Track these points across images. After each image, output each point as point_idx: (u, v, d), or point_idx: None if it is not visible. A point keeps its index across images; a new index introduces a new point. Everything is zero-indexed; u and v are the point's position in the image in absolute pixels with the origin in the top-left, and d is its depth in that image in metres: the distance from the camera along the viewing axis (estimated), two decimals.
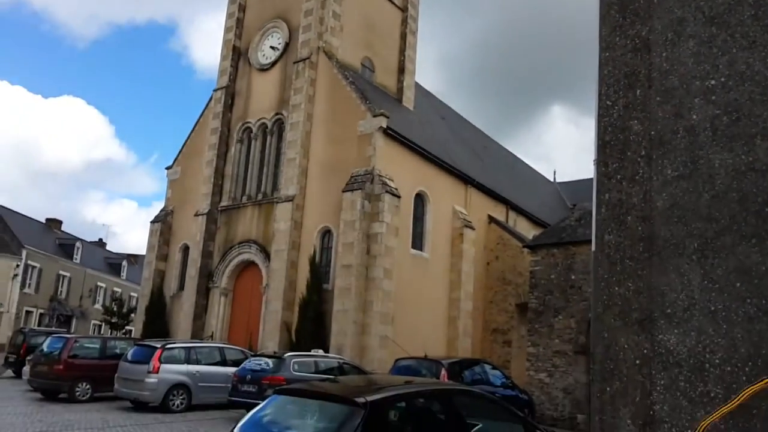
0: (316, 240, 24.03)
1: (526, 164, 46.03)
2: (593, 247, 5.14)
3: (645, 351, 4.56)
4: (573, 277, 17.09)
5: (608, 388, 4.68)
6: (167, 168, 31.82)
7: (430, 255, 24.42)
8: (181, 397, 15.46)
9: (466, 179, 26.70)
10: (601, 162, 5.19)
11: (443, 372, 12.80)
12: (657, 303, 4.61)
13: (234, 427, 5.12)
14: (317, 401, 4.95)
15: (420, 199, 24.58)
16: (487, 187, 28.28)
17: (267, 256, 25.13)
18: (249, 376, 14.22)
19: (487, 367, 15.35)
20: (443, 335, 24.04)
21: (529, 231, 29.23)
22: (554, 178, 47.75)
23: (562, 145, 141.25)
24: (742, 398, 1.36)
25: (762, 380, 1.52)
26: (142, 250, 38.74)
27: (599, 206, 5.22)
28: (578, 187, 40.47)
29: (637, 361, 4.58)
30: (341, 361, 16.04)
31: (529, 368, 17.12)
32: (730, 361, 4.14)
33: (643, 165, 4.90)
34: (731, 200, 4.43)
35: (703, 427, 1.41)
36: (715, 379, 4.18)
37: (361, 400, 4.32)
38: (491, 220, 27.92)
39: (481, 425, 5.41)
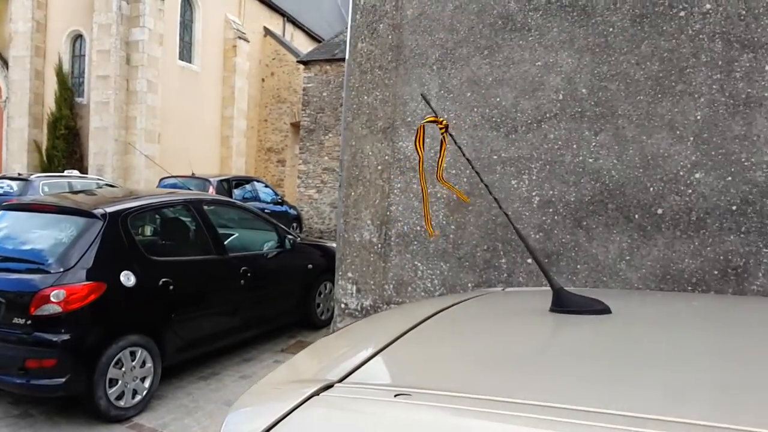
0: (65, 45, 20.89)
1: None
2: (347, 55, 5.09)
3: (386, 157, 4.83)
4: (344, 95, 17.38)
5: (353, 193, 4.94)
6: None
7: (201, 68, 22.82)
8: None
9: None
10: None
11: (211, 189, 12.62)
12: (399, 112, 4.81)
13: None
14: (54, 215, 4.48)
15: (188, 4, 22.28)
16: None
17: (5, 63, 21.39)
18: None
19: (259, 185, 15.50)
20: (216, 155, 23.45)
21: (306, 46, 28.54)
22: None
23: None
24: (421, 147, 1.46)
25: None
26: None
27: (354, 12, 5.11)
28: None
29: (379, 167, 4.85)
30: (101, 182, 14.91)
31: (300, 185, 17.71)
32: (455, 164, 4.57)
33: None
34: (471, 12, 4.59)
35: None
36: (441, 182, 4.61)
37: (99, 211, 4.02)
38: (267, 32, 26.56)
39: (236, 234, 5.48)
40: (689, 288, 3.86)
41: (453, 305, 1.38)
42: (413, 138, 4.70)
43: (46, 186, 13.02)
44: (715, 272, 3.80)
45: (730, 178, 3.78)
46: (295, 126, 24.76)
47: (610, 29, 4.17)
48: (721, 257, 3.79)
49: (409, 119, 4.75)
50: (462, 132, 4.55)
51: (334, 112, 17.72)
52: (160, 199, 4.60)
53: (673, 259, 3.90)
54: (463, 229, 4.50)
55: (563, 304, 1.29)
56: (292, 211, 15.80)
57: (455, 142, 1.73)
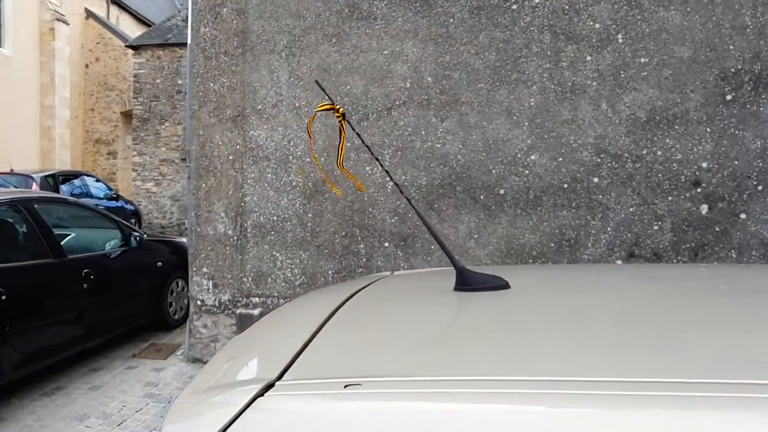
0: None
1: None
2: (189, 40, 4.84)
3: (238, 146, 4.68)
4: (180, 81, 16.50)
5: (204, 185, 4.73)
6: None
7: (13, 52, 20.38)
8: None
9: None
10: None
11: (34, 186, 11.38)
12: (249, 99, 4.68)
13: None
14: None
15: None
16: None
17: None
18: None
19: (89, 180, 14.25)
20: (36, 148, 21.16)
21: (135, 30, 26.56)
22: None
23: None
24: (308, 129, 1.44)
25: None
26: None
27: None
28: None
29: (231, 157, 4.69)
30: None
31: (136, 178, 16.57)
32: (309, 152, 4.55)
33: None
34: None
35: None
36: (297, 169, 4.58)
37: None
38: (89, 14, 24.36)
39: (74, 234, 5.00)
40: (530, 260, 4.21)
41: (357, 292, 1.38)
42: (265, 126, 4.61)
43: None
44: (552, 245, 4.19)
45: (561, 159, 4.17)
46: (126, 115, 23.07)
47: (451, 20, 4.39)
48: (557, 231, 4.18)
49: (259, 107, 4.64)
50: (315, 121, 4.54)
51: (170, 99, 16.77)
52: None
53: (515, 235, 4.23)
54: (320, 216, 4.51)
55: (466, 282, 1.35)
56: (129, 207, 14.73)
57: (353, 129, 1.72)
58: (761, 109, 3.89)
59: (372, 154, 1.79)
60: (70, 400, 3.97)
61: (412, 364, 0.89)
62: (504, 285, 1.32)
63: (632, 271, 1.68)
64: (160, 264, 5.22)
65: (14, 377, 3.81)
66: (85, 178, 14.25)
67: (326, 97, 1.76)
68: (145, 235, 5.24)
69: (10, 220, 4.28)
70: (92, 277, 4.36)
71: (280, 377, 0.81)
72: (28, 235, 4.27)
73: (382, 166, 2.01)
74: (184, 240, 6.22)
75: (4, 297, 3.62)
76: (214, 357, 1.11)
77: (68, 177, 13.59)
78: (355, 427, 0.72)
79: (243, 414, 0.73)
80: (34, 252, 4.11)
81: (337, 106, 1.64)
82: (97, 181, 14.90)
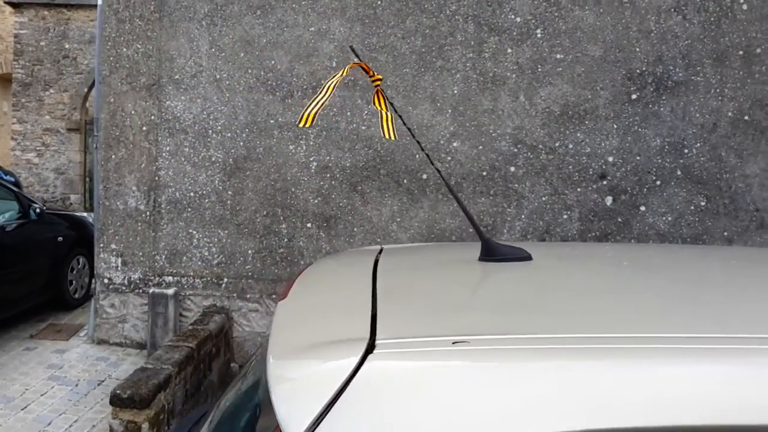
0: None
1: None
2: (99, 0, 4.51)
3: (152, 117, 4.44)
4: (67, 46, 15.32)
5: (113, 156, 4.45)
6: None
7: None
8: None
9: None
10: None
11: None
12: (166, 68, 4.45)
13: None
14: None
15: None
16: None
17: None
18: None
19: None
20: None
21: None
22: None
23: None
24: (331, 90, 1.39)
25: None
26: None
27: None
28: None
29: (144, 128, 4.45)
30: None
31: (15, 147, 15.24)
32: (230, 127, 4.41)
33: None
34: None
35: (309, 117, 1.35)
36: (217, 144, 4.42)
37: None
38: None
39: None
40: None
41: (376, 263, 1.37)
42: (182, 97, 4.40)
43: None
44: (470, 230, 4.33)
45: (481, 147, 4.32)
46: (4, 79, 21.16)
47: (379, 2, 4.39)
48: (476, 216, 4.33)
49: (177, 77, 4.43)
50: (236, 94, 4.40)
51: (56, 65, 15.52)
52: None
53: (436, 220, 4.34)
54: (241, 195, 4.39)
55: (491, 253, 1.38)
56: (8, 178, 13.53)
57: (387, 100, 1.68)
58: (661, 109, 4.22)
59: (409, 129, 1.78)
60: None
61: (507, 323, 0.91)
62: (527, 256, 1.38)
63: (651, 251, 1.81)
64: (60, 239, 4.86)
65: None
66: None
67: (360, 62, 1.71)
68: (44, 208, 4.85)
69: None
70: None
71: (373, 338, 0.80)
72: None
73: (421, 147, 2.00)
74: (84, 215, 5.82)
75: None
76: (277, 321, 1.06)
77: None
78: (468, 383, 0.73)
79: (357, 374, 0.72)
80: None
81: (374, 73, 1.61)
82: None
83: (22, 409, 3.41)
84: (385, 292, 1.09)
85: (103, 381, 3.85)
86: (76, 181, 15.76)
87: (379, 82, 1.64)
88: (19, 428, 3.20)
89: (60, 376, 3.87)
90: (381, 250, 1.64)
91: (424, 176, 4.34)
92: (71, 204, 15.22)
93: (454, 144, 4.33)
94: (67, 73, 15.33)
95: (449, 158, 4.33)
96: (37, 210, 4.67)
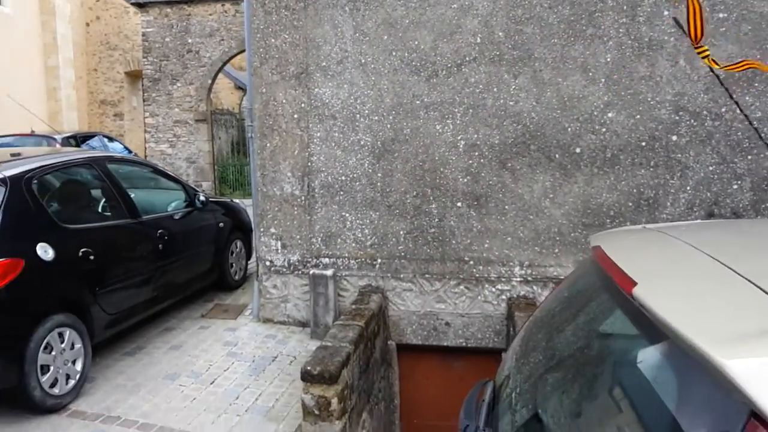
0: None
1: None
2: None
3: (303, 105, 4.59)
4: (190, 40, 16.18)
5: (268, 144, 4.65)
6: None
7: (14, 10, 19.90)
8: None
9: None
10: None
11: (57, 147, 11.23)
12: (312, 56, 4.57)
13: None
14: None
15: None
16: None
17: None
18: None
19: (106, 140, 14.10)
20: (44, 110, 20.83)
21: None
22: None
23: None
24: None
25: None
26: None
27: None
28: None
29: (296, 116, 4.60)
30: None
31: (149, 140, 16.39)
32: (377, 111, 4.47)
33: None
34: None
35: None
36: (365, 128, 4.50)
37: None
38: None
39: (143, 194, 4.92)
40: (607, 221, 4.19)
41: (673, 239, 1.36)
42: (330, 84, 4.50)
43: None
44: (630, 204, 4.15)
45: (638, 116, 4.11)
46: (132, 75, 22.70)
47: None
48: (635, 190, 4.14)
49: (324, 64, 4.53)
50: (382, 77, 4.44)
51: (181, 59, 16.44)
52: (62, 158, 3.87)
53: (592, 195, 4.20)
54: (390, 176, 4.45)
55: None
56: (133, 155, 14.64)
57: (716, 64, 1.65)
58: None
59: (750, 123, 1.74)
60: (154, 359, 3.97)
61: None
62: None
63: None
64: (221, 225, 5.18)
65: (103, 338, 3.79)
66: (102, 138, 14.10)
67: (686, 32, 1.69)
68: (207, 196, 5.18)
69: (89, 180, 4.19)
70: (166, 237, 4.32)
71: None
72: (105, 195, 4.20)
73: (760, 136, 1.95)
74: (236, 201, 6.16)
75: (92, 257, 3.57)
76: (665, 308, 1.07)
77: (86, 137, 13.44)
78: None
79: None
80: (114, 212, 4.05)
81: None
82: (111, 140, 14.74)
83: (211, 383, 3.69)
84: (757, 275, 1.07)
85: (276, 357, 4.08)
86: (207, 169, 16.69)
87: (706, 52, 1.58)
88: (212, 401, 3.47)
89: (237, 352, 4.15)
90: (645, 230, 1.59)
91: (578, 150, 4.19)
92: (203, 191, 16.20)
93: (609, 114, 4.14)
94: (192, 66, 16.20)
95: (604, 130, 4.15)
96: (201, 198, 4.98)
